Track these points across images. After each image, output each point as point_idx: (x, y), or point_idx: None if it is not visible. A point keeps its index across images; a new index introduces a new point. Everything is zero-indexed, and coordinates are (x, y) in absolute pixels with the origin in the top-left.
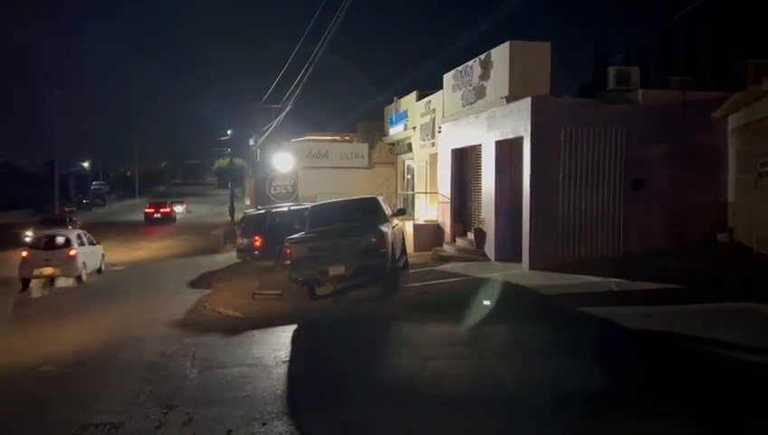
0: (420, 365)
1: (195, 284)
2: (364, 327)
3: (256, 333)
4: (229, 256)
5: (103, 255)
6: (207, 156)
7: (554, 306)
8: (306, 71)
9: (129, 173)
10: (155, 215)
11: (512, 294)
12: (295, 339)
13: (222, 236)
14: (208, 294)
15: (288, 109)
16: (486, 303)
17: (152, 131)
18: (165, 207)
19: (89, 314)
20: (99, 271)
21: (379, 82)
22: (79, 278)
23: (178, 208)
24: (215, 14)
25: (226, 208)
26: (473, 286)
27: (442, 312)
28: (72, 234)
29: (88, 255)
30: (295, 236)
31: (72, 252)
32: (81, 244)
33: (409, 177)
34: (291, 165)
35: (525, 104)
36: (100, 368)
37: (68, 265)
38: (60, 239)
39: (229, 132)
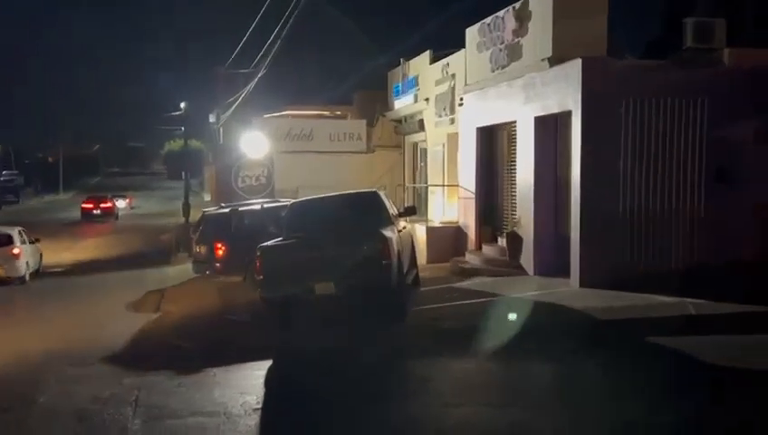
0: (441, 414)
1: (139, 304)
2: (363, 363)
3: (218, 371)
4: (183, 269)
5: (41, 254)
6: (154, 137)
7: (614, 336)
8: (285, 24)
9: (51, 159)
10: (94, 211)
11: (557, 321)
12: (270, 379)
13: (173, 243)
14: (156, 319)
15: (261, 74)
16: (522, 329)
17: (83, 106)
18: (106, 202)
19: (6, 337)
20: (37, 272)
21: (380, 39)
22: (22, 280)
23: (121, 204)
24: None
25: (179, 205)
26: (506, 309)
27: (466, 343)
28: (14, 230)
29: (30, 254)
30: (270, 243)
31: (16, 250)
32: (23, 241)
33: (421, 164)
34: (264, 149)
35: (574, 68)
36: (15, 416)
37: (11, 264)
38: (1, 236)
39: (183, 105)
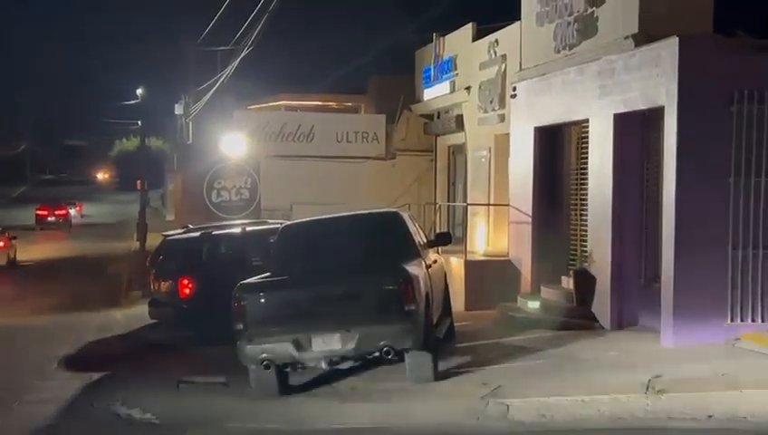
0: None
1: (74, 360)
2: None
3: None
4: (136, 312)
5: None
6: (102, 134)
7: (726, 422)
8: None
9: None
10: (48, 218)
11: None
12: None
13: (125, 278)
14: (96, 382)
15: (245, 52)
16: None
17: (2, 93)
18: (61, 209)
19: None
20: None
21: (406, 7)
22: None
23: (71, 211)
24: None
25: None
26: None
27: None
28: None
29: None
30: (254, 280)
31: None
32: None
33: (460, 175)
34: (248, 151)
35: (669, 49)
36: None
37: None
38: None
39: (139, 93)
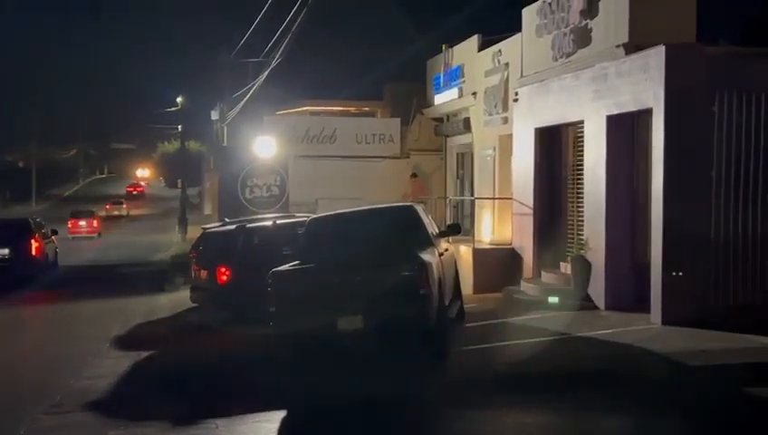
0: None
1: (125, 340)
2: (395, 417)
3: (222, 423)
4: (179, 297)
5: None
6: (145, 138)
7: (705, 386)
8: (304, 3)
9: (21, 164)
10: (134, 193)
11: (635, 367)
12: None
13: (168, 267)
14: (146, 358)
15: (275, 63)
16: (590, 378)
17: (59, 102)
18: (140, 188)
19: None
20: None
21: (417, 20)
22: None
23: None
24: None
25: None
26: (571, 351)
27: (522, 393)
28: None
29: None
30: (284, 267)
31: None
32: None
33: (467, 172)
34: (276, 152)
35: (656, 57)
36: None
37: None
38: None
39: (179, 100)
